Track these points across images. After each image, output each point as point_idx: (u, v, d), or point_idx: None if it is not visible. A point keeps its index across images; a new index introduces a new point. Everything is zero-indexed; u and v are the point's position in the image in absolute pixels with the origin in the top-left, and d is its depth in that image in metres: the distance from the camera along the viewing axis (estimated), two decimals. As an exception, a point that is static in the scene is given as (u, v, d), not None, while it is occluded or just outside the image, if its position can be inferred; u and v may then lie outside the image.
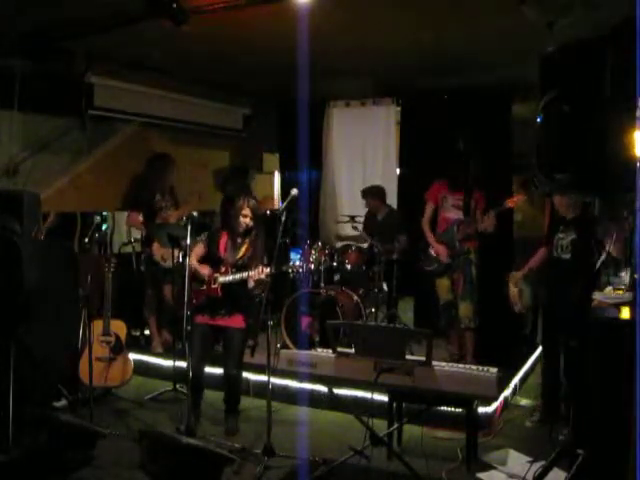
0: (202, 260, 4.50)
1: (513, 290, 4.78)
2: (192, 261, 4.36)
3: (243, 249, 4.47)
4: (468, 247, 5.45)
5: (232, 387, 4.54)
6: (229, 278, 4.36)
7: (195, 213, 4.39)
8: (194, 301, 4.36)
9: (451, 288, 5.53)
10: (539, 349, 5.59)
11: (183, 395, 4.90)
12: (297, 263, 4.30)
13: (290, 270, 4.32)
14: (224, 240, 4.52)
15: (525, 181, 6.96)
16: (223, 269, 4.42)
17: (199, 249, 4.50)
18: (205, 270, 4.44)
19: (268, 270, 4.19)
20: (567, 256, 4.46)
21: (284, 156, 8.16)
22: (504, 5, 3.99)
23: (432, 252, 5.58)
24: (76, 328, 5.05)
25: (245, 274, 4.29)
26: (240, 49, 5.27)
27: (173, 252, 5.20)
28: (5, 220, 3.97)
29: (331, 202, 7.89)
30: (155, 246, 5.77)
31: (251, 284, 4.30)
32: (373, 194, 6.56)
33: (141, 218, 5.92)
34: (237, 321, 4.44)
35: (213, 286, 4.40)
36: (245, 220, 4.43)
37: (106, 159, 6.07)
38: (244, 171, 7.64)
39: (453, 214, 5.53)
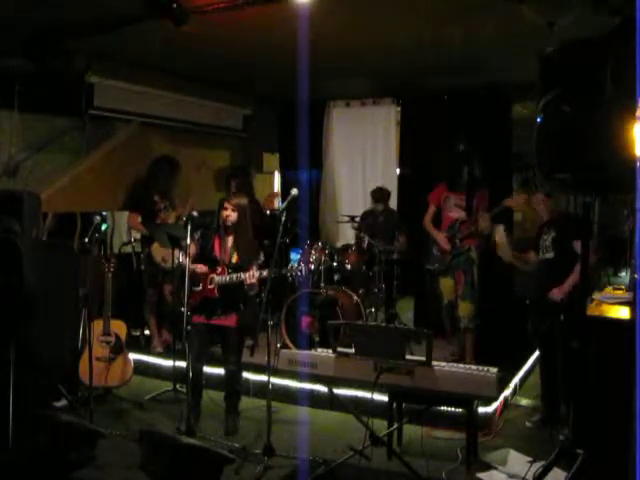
0: (196, 260, 4.46)
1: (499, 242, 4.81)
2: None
3: (229, 246, 4.45)
4: (469, 246, 5.46)
5: (232, 385, 4.55)
6: (225, 279, 4.35)
7: (195, 213, 4.39)
8: (190, 300, 4.35)
9: (454, 288, 5.53)
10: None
11: (183, 395, 4.89)
12: (295, 265, 4.29)
13: (289, 274, 4.30)
14: (218, 240, 4.52)
15: (525, 181, 6.98)
16: (219, 269, 4.40)
17: (191, 249, 4.48)
18: (202, 268, 4.43)
19: (265, 273, 4.19)
20: (550, 255, 4.50)
21: (284, 156, 8.16)
22: (504, 5, 3.99)
23: (435, 251, 5.59)
24: (76, 328, 5.05)
25: (242, 275, 4.29)
26: (240, 49, 5.27)
27: (173, 252, 5.20)
28: (5, 220, 3.97)
29: (331, 202, 7.89)
30: (155, 247, 5.77)
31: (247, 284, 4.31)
32: (385, 197, 6.56)
33: (139, 219, 5.92)
34: (233, 320, 4.44)
35: (209, 287, 4.38)
36: (226, 213, 4.39)
37: (106, 159, 6.06)
38: (246, 171, 7.64)
39: (456, 213, 5.54)
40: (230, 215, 4.41)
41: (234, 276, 4.33)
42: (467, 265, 5.44)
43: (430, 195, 5.75)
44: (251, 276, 4.23)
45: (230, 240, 4.49)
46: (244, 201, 4.52)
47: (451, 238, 5.50)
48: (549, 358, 4.57)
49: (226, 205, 4.42)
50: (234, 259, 4.45)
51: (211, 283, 4.39)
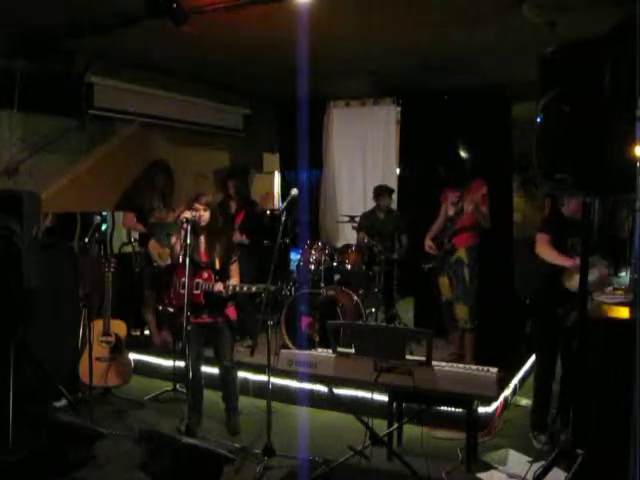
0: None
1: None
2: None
3: (204, 247, 4.42)
4: (453, 245, 5.41)
5: (229, 383, 4.53)
6: (212, 288, 4.28)
7: (195, 212, 4.38)
8: (174, 302, 4.35)
9: (451, 287, 5.52)
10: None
11: (183, 395, 4.89)
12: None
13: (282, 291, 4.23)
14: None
15: (525, 181, 6.98)
16: (206, 275, 4.33)
17: (177, 248, 4.41)
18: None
19: (255, 289, 4.14)
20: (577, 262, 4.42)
21: (284, 156, 8.17)
22: (504, 5, 3.99)
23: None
24: (76, 328, 5.05)
25: (231, 286, 4.26)
26: (240, 49, 5.27)
27: (172, 251, 5.19)
28: (5, 220, 3.97)
29: (331, 202, 7.90)
30: (152, 244, 5.78)
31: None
32: (389, 192, 6.54)
33: (135, 218, 5.93)
34: (223, 315, 4.43)
35: (195, 292, 4.30)
36: (198, 213, 4.32)
37: (106, 159, 6.07)
38: (244, 171, 7.64)
39: (451, 211, 5.53)
40: (203, 215, 4.37)
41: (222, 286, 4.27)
42: (458, 266, 5.41)
43: (441, 197, 5.76)
44: (223, 287, 4.23)
45: (203, 240, 4.44)
46: (210, 199, 4.51)
47: (441, 238, 5.49)
48: (548, 360, 4.56)
49: (197, 206, 4.36)
50: (217, 264, 4.40)
51: (197, 288, 4.31)
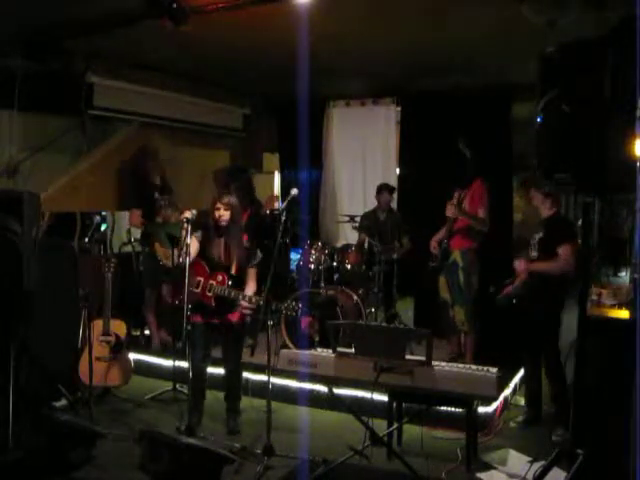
0: (198, 257, 4.40)
1: None
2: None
3: (222, 249, 4.39)
4: (448, 246, 5.39)
5: (233, 384, 4.54)
6: (224, 292, 4.27)
7: (195, 211, 4.37)
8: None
9: (448, 288, 5.51)
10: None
11: (183, 395, 4.90)
12: (293, 304, 4.18)
13: (285, 312, 4.22)
14: (209, 240, 4.45)
15: (525, 181, 6.97)
16: (220, 278, 4.33)
17: (193, 246, 4.34)
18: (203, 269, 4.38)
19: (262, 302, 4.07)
20: (534, 255, 4.48)
21: (284, 156, 8.16)
22: (504, 5, 3.99)
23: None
24: (76, 328, 5.05)
25: (240, 295, 4.23)
26: (240, 49, 5.27)
27: (173, 252, 5.19)
28: (5, 220, 3.97)
29: (331, 202, 7.89)
30: (157, 245, 5.78)
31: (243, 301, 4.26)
32: (389, 190, 6.52)
33: (141, 217, 5.92)
34: (234, 316, 4.42)
35: (208, 294, 4.30)
36: (219, 212, 4.30)
37: (106, 159, 6.07)
38: (244, 171, 7.64)
39: (450, 212, 5.52)
40: (224, 215, 4.33)
41: (232, 292, 4.26)
42: (453, 268, 5.39)
43: None
44: (248, 302, 4.20)
45: (222, 241, 4.41)
46: (234, 199, 4.44)
47: (442, 239, 5.48)
48: (534, 359, 4.58)
49: (218, 205, 4.33)
50: (233, 269, 4.37)
51: (210, 290, 4.30)
